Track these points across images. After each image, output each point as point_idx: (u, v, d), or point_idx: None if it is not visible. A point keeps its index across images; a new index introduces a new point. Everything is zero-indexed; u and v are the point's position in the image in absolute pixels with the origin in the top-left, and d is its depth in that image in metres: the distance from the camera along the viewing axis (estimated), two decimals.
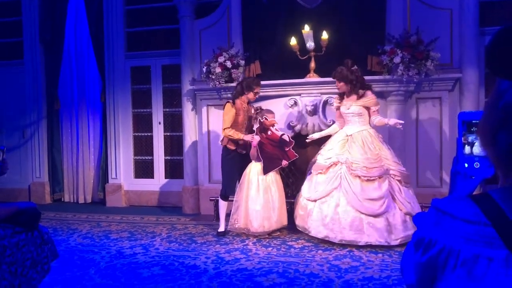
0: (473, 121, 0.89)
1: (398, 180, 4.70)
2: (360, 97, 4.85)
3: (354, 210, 4.55)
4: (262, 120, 5.08)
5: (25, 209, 2.89)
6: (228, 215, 5.28)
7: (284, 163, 5.13)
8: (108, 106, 7.12)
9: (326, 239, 4.65)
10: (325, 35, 5.40)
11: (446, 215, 0.82)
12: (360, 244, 4.50)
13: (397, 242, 4.49)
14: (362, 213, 4.52)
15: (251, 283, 3.71)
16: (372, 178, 4.58)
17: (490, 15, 5.63)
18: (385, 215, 4.51)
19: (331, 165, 4.81)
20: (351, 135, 4.85)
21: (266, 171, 5.07)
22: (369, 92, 4.88)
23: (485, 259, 0.76)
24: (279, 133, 5.15)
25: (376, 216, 4.50)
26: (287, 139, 5.15)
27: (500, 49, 0.80)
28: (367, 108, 4.87)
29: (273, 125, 5.13)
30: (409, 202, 4.62)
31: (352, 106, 4.88)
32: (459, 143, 0.93)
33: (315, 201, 4.79)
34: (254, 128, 5.10)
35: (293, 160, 5.22)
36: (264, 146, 5.07)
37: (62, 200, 7.60)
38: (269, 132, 5.11)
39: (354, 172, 4.62)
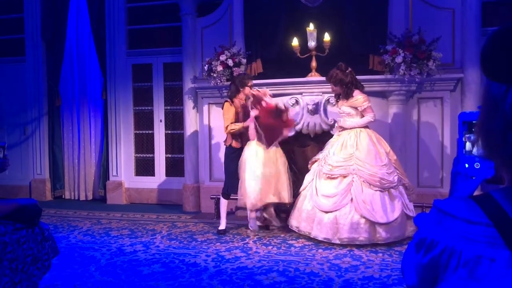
0: (474, 121, 0.89)
1: (364, 181, 4.61)
2: (350, 97, 4.86)
3: (311, 204, 4.78)
4: (254, 93, 5.04)
5: (26, 206, 2.90)
6: (229, 214, 5.30)
7: (286, 130, 5.08)
8: (109, 104, 7.12)
9: (290, 227, 4.99)
10: (327, 37, 5.37)
11: (447, 215, 0.82)
12: (311, 236, 4.75)
13: (339, 242, 4.57)
14: (316, 208, 4.72)
15: (251, 281, 3.72)
16: (333, 176, 4.73)
17: (493, 15, 5.61)
18: (335, 213, 4.61)
19: (314, 162, 5.05)
20: (340, 134, 4.95)
21: (269, 143, 4.99)
22: (356, 92, 4.84)
23: (487, 260, 0.76)
24: (273, 102, 5.10)
25: (326, 212, 4.65)
26: (282, 106, 5.12)
27: (497, 52, 0.80)
28: (356, 108, 4.86)
29: (265, 95, 5.07)
30: (368, 205, 4.54)
31: (342, 106, 4.94)
32: (460, 144, 0.94)
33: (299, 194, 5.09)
34: (249, 104, 5.04)
35: (294, 126, 5.23)
36: (261, 119, 4.98)
37: (63, 197, 7.60)
38: (263, 103, 5.02)
39: (321, 169, 4.82)
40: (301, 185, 5.21)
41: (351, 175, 4.66)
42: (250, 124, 5.04)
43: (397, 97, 5.52)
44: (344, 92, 4.86)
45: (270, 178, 5.03)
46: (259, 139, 5.04)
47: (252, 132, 5.05)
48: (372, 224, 4.52)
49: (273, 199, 5.05)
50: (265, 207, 5.17)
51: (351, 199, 4.60)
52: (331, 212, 4.63)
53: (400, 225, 4.61)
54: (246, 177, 5.00)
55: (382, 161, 4.71)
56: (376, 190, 4.61)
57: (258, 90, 5.11)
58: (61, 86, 7.42)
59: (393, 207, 4.61)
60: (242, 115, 5.17)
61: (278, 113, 5.06)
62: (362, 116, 4.86)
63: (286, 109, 5.12)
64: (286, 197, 5.11)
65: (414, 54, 5.22)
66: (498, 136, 0.78)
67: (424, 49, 5.24)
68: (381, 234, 4.54)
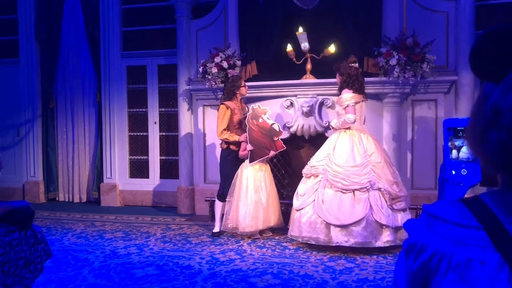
0: (458, 128, 0.90)
1: (327, 181, 4.54)
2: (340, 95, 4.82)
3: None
4: (255, 107, 5.15)
5: (19, 208, 2.88)
6: (223, 216, 5.28)
7: (272, 153, 5.15)
8: (104, 105, 7.10)
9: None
10: (332, 48, 5.37)
11: (437, 219, 0.82)
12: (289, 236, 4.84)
13: (301, 240, 4.64)
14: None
15: (246, 283, 3.71)
16: (307, 176, 4.80)
17: (486, 19, 5.65)
18: (300, 211, 4.69)
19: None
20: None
21: (252, 159, 5.07)
22: (344, 91, 4.70)
23: (478, 263, 0.76)
24: (270, 122, 5.19)
25: (296, 210, 4.74)
26: (277, 129, 5.19)
27: (484, 53, 0.81)
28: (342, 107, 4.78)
29: (265, 113, 5.17)
30: (324, 205, 4.47)
31: (336, 105, 4.93)
32: (446, 150, 0.94)
33: None
34: (246, 116, 5.11)
35: (281, 151, 5.26)
36: (253, 133, 5.06)
37: (57, 199, 7.57)
38: (260, 120, 5.13)
39: (303, 168, 4.90)
40: (295, 187, 5.21)
41: (321, 175, 4.65)
42: (243, 140, 5.10)
43: (391, 99, 5.54)
44: (341, 82, 4.79)
45: (261, 205, 5.04)
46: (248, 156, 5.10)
47: (243, 147, 5.11)
48: (328, 225, 4.44)
49: (262, 226, 5.06)
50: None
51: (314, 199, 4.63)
52: (297, 210, 4.72)
53: (365, 230, 4.35)
54: (239, 202, 5.04)
55: (354, 162, 4.53)
56: (336, 191, 4.48)
57: (259, 106, 5.17)
58: (55, 88, 7.40)
59: (354, 210, 4.39)
60: (238, 118, 5.18)
61: (271, 133, 5.15)
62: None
63: (280, 132, 5.20)
64: (273, 221, 5.13)
65: (409, 56, 5.23)
66: (479, 135, 0.79)
67: (418, 51, 5.26)
68: (336, 236, 4.39)
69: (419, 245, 0.82)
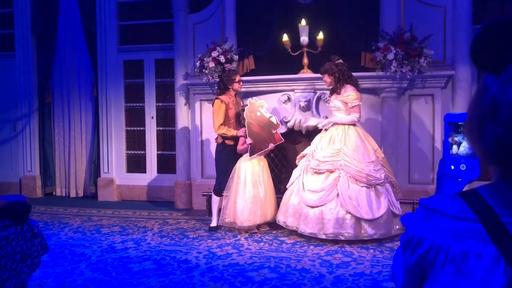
0: (459, 123, 0.90)
1: (350, 177, 4.61)
2: (342, 91, 4.84)
3: (298, 199, 4.79)
4: (252, 101, 5.16)
5: (15, 202, 2.87)
6: (220, 210, 5.29)
7: (271, 146, 5.17)
8: (101, 100, 7.07)
9: (277, 222, 5.00)
10: (321, 35, 5.36)
11: (435, 212, 0.82)
12: (298, 231, 4.73)
13: (324, 237, 4.58)
14: (303, 203, 4.73)
15: (243, 278, 3.72)
16: (320, 171, 4.74)
17: (483, 13, 5.64)
18: (321, 208, 4.62)
19: (301, 157, 5.06)
20: (327, 129, 4.96)
21: (252, 153, 5.08)
22: (349, 88, 4.82)
23: (474, 256, 0.76)
24: (267, 115, 5.21)
25: (312, 207, 4.66)
26: (275, 122, 5.22)
27: (485, 44, 0.81)
28: (347, 104, 4.83)
29: (262, 107, 5.19)
30: (353, 201, 4.54)
31: (334, 100, 4.92)
32: (446, 145, 0.94)
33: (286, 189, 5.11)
34: (244, 111, 5.11)
35: (279, 143, 5.26)
36: (252, 127, 5.09)
37: (54, 194, 7.55)
38: (257, 113, 5.15)
39: (308, 164, 4.83)
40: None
41: (338, 171, 4.66)
42: (241, 135, 5.09)
43: (389, 94, 5.54)
44: (335, 83, 4.84)
45: (259, 200, 5.05)
46: (247, 150, 5.10)
47: (241, 142, 5.11)
48: (358, 220, 4.53)
49: (260, 220, 5.08)
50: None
51: (337, 195, 4.61)
52: (316, 207, 4.64)
53: (386, 222, 4.61)
54: (237, 197, 5.04)
55: (370, 158, 4.72)
56: (362, 186, 4.62)
57: (256, 100, 5.18)
58: (51, 82, 7.37)
59: (379, 204, 4.62)
60: (233, 113, 5.18)
61: (269, 126, 5.16)
62: (349, 113, 4.86)
63: (278, 125, 5.22)
64: (270, 216, 5.13)
65: (406, 51, 5.23)
66: (476, 128, 0.79)
67: (416, 46, 5.25)
68: (367, 230, 4.54)
69: (416, 239, 0.82)
